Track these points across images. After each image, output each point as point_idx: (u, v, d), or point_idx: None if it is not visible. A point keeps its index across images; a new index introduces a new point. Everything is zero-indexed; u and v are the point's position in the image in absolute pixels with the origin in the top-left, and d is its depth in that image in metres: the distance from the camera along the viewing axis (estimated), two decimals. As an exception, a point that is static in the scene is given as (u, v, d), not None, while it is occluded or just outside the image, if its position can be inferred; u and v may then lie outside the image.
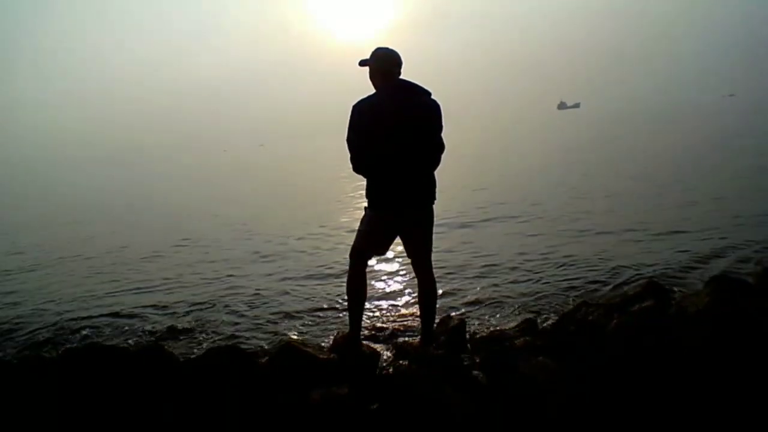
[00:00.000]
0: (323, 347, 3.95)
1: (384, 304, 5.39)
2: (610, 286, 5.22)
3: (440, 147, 3.60)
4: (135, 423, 3.03)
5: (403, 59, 3.58)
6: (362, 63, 3.62)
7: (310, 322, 5.10)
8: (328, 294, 5.89)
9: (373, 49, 3.62)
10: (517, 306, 5.01)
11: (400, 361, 3.75)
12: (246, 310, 5.67)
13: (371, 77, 3.60)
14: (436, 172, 3.65)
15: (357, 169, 3.60)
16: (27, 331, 5.67)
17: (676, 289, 4.85)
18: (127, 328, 5.48)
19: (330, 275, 6.65)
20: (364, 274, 3.80)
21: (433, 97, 3.58)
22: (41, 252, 10.92)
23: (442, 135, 3.62)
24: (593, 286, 5.35)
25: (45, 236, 13.41)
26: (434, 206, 3.67)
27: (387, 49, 3.59)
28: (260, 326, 5.14)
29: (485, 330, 4.24)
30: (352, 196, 15.15)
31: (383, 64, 3.55)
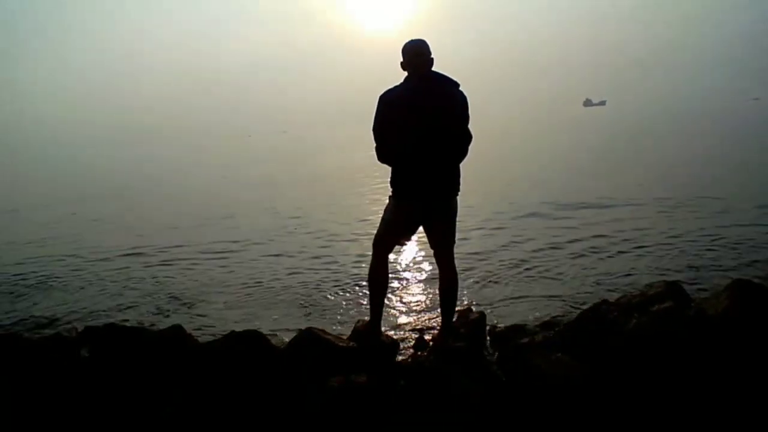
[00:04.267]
0: (343, 335, 3.99)
1: (405, 294, 5.43)
2: (631, 286, 5.19)
3: (467, 137, 3.61)
4: (152, 404, 3.08)
5: (431, 49, 3.58)
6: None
7: (330, 310, 5.17)
8: (350, 282, 5.94)
9: (399, 40, 3.66)
10: (537, 302, 5.03)
11: (419, 353, 3.80)
12: (267, 296, 5.75)
13: (402, 68, 3.63)
14: (461, 164, 3.65)
15: (381, 158, 3.63)
16: (45, 310, 5.78)
17: (696, 291, 4.81)
18: (146, 310, 5.58)
19: (352, 263, 6.70)
20: (387, 263, 3.82)
21: (461, 89, 3.58)
22: (59, 231, 11.12)
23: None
24: (613, 285, 5.34)
25: (65, 215, 13.66)
26: (459, 198, 3.68)
27: (414, 40, 3.60)
28: (280, 312, 5.23)
29: (505, 324, 4.26)
30: (374, 184, 15.14)
31: (406, 55, 3.57)
